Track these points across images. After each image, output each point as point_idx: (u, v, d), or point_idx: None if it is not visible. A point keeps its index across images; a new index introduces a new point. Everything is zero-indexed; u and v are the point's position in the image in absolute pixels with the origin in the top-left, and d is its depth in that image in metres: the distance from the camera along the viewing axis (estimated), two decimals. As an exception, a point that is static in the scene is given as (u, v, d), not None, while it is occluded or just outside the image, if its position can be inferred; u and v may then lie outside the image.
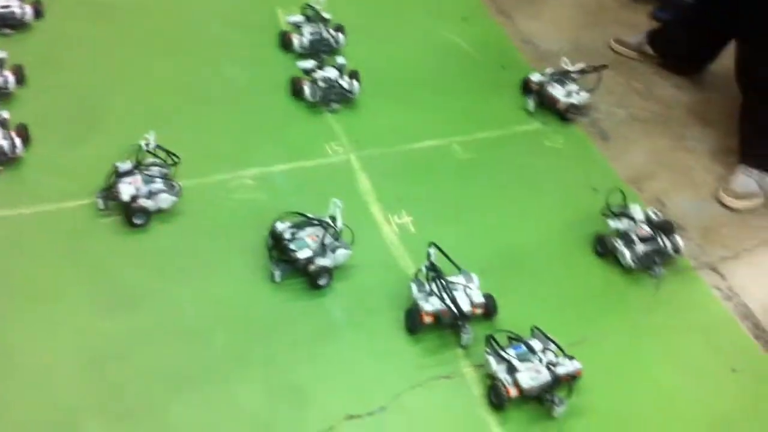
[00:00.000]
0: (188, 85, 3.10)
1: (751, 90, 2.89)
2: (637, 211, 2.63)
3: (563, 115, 3.13)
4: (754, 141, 2.91)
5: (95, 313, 2.22)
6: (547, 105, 3.17)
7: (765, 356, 2.32)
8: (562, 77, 3.21)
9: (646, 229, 2.58)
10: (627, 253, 2.53)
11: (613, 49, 3.64)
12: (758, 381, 2.27)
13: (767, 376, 2.28)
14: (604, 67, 3.22)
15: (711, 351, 2.33)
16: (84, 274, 2.32)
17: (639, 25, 3.78)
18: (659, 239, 2.56)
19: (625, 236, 2.58)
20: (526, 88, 3.22)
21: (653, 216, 2.63)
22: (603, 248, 2.60)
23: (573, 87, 3.17)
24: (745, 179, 2.84)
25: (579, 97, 3.14)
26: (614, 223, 2.62)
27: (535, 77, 3.21)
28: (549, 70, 3.24)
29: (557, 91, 3.14)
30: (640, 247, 2.54)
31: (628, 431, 2.11)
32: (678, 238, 2.59)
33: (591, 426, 2.11)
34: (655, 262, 2.54)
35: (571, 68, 3.22)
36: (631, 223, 2.61)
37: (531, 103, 3.16)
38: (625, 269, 2.55)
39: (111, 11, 3.36)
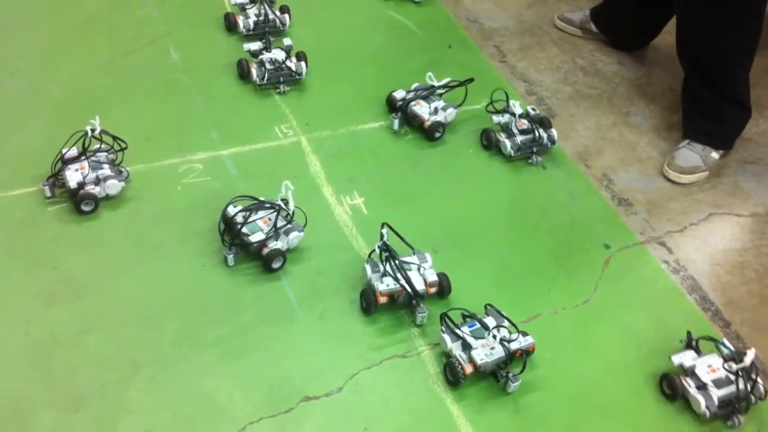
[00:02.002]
0: (131, 69, 3.05)
1: (692, 68, 2.93)
2: (517, 107, 2.89)
3: (430, 134, 2.88)
4: (697, 117, 2.95)
5: (42, 303, 2.20)
6: (412, 124, 2.94)
7: (711, 328, 2.37)
8: (427, 93, 2.96)
9: (525, 123, 2.85)
10: (508, 143, 2.81)
11: (557, 27, 3.66)
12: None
13: (714, 346, 2.33)
14: (470, 80, 3.02)
15: (660, 324, 2.37)
16: (30, 262, 2.30)
17: (582, 2, 3.81)
18: (536, 131, 2.83)
19: (506, 129, 2.87)
20: (391, 106, 2.99)
21: (531, 112, 2.90)
22: (488, 141, 2.88)
23: (439, 103, 2.92)
24: (690, 154, 2.88)
25: (446, 114, 2.90)
26: (497, 118, 2.89)
27: (399, 94, 2.97)
28: (415, 86, 3.01)
29: (422, 110, 2.90)
30: (519, 138, 2.82)
31: (580, 403, 2.14)
32: (554, 131, 2.87)
33: (545, 400, 2.14)
34: (533, 151, 2.84)
35: (436, 83, 2.99)
36: (512, 117, 2.87)
37: (396, 123, 2.90)
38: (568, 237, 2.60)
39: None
